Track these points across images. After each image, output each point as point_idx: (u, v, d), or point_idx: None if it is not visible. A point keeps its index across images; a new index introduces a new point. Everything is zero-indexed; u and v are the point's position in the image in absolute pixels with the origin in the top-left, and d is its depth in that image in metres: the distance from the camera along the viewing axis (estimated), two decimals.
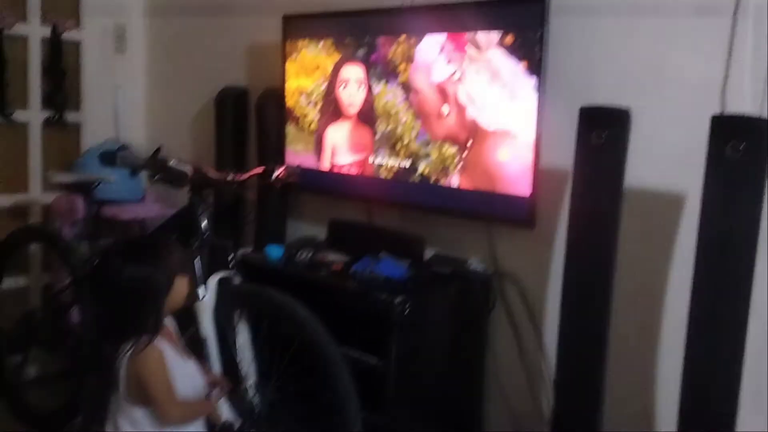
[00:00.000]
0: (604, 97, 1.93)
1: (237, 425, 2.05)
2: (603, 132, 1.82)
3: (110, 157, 1.98)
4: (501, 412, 2.34)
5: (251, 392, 2.08)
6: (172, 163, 2.07)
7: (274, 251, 2.40)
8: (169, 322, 1.76)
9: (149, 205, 3.19)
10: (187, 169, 2.10)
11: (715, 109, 1.82)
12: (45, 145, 3.24)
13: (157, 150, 2.11)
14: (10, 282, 3.13)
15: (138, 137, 3.55)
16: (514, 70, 2.11)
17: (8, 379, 2.97)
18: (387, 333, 2.02)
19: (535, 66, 2.06)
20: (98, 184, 2.79)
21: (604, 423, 1.91)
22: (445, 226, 2.41)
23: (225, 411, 2.02)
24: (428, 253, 2.37)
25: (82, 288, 2.64)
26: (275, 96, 2.81)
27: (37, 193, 3.22)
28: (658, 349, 2.02)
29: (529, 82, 2.07)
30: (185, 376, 1.71)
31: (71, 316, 2.81)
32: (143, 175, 3.12)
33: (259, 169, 2.41)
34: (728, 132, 1.61)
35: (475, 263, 2.33)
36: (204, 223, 2.21)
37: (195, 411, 1.75)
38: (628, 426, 2.06)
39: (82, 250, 2.78)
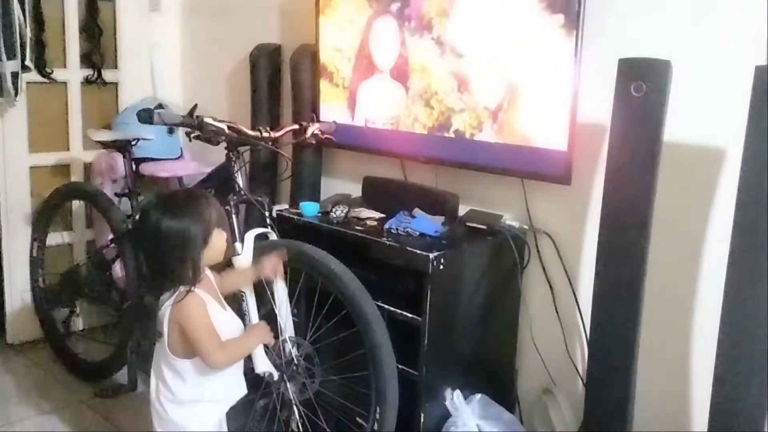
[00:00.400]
0: (644, 49, 1.88)
1: (274, 377, 2.11)
2: (643, 84, 1.78)
3: (147, 114, 2.00)
4: (534, 367, 2.35)
5: (288, 346, 2.13)
6: (207, 120, 2.08)
7: (309, 208, 2.42)
8: (210, 275, 1.80)
9: (187, 163, 3.23)
10: (223, 126, 2.12)
11: (759, 60, 1.76)
12: (84, 103, 3.30)
13: (194, 107, 2.12)
14: (56, 238, 3.23)
15: (174, 95, 3.59)
16: (551, 22, 2.07)
17: (56, 331, 3.09)
18: (422, 288, 2.04)
19: (573, 18, 2.02)
20: (136, 142, 2.84)
21: (639, 378, 1.91)
22: (480, 182, 2.41)
23: (263, 363, 2.08)
24: (463, 210, 2.36)
25: (123, 243, 2.71)
26: (309, 52, 2.80)
27: (78, 152, 3.30)
28: (693, 306, 2.00)
29: (567, 35, 2.03)
30: (225, 326, 1.76)
31: (114, 271, 2.90)
32: (180, 132, 3.19)
33: (294, 126, 2.42)
34: None
35: (510, 219, 2.32)
36: (240, 180, 2.24)
37: (240, 348, 1.80)
38: (663, 381, 2.06)
39: (123, 207, 2.85)
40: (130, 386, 2.80)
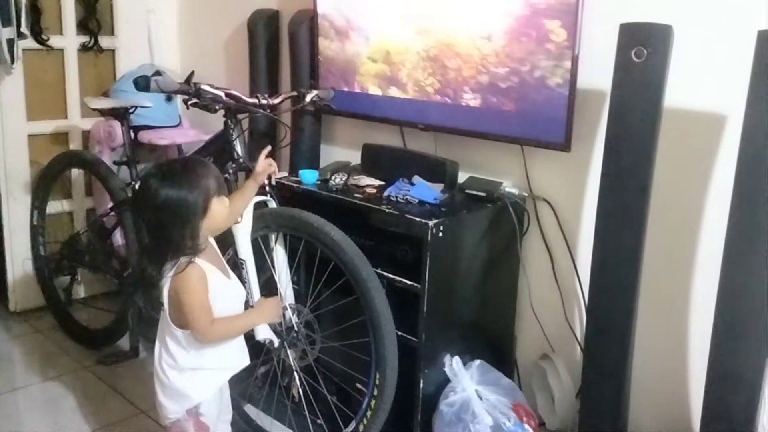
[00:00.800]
0: (645, 13, 1.86)
1: (275, 344, 2.13)
2: (644, 49, 1.76)
3: (144, 81, 1.99)
4: (533, 333, 2.37)
5: (288, 313, 2.15)
6: (205, 87, 2.07)
7: (309, 176, 2.42)
8: (213, 244, 1.80)
9: (185, 131, 3.22)
10: (220, 93, 2.10)
11: (762, 25, 1.73)
12: (81, 70, 3.27)
13: (191, 74, 2.11)
14: (56, 206, 3.24)
15: (172, 62, 3.55)
16: None
17: (58, 299, 3.11)
18: (421, 255, 2.04)
19: None
20: (134, 110, 2.83)
21: (637, 344, 1.93)
22: (480, 149, 2.40)
23: (263, 331, 2.10)
24: (462, 177, 2.36)
25: (123, 211, 2.71)
26: (307, 18, 2.77)
27: (76, 119, 3.28)
28: (692, 273, 2.01)
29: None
30: (229, 295, 1.78)
31: (114, 239, 2.91)
32: (179, 100, 3.17)
33: (292, 93, 2.41)
34: None
35: (510, 186, 2.32)
36: (238, 148, 2.23)
37: (236, 327, 1.81)
38: (661, 347, 2.08)
39: (122, 175, 2.84)
40: (133, 353, 2.83)
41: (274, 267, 2.17)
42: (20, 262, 3.18)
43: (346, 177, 2.40)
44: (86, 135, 3.28)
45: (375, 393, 2.03)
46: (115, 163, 2.88)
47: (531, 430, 2.08)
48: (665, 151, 1.84)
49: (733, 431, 1.70)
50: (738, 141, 1.62)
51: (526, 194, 2.31)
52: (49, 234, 3.15)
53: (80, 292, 3.24)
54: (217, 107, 2.13)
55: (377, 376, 2.02)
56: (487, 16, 2.20)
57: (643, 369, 2.03)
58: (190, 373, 1.75)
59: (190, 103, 2.09)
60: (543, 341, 2.34)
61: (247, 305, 1.99)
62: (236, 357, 1.84)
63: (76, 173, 3.28)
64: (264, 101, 2.24)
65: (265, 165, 2.02)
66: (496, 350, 2.35)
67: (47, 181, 3.08)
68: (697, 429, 1.82)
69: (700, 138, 1.95)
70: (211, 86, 2.11)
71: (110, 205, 2.82)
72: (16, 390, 2.64)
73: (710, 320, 1.70)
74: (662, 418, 2.09)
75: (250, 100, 2.21)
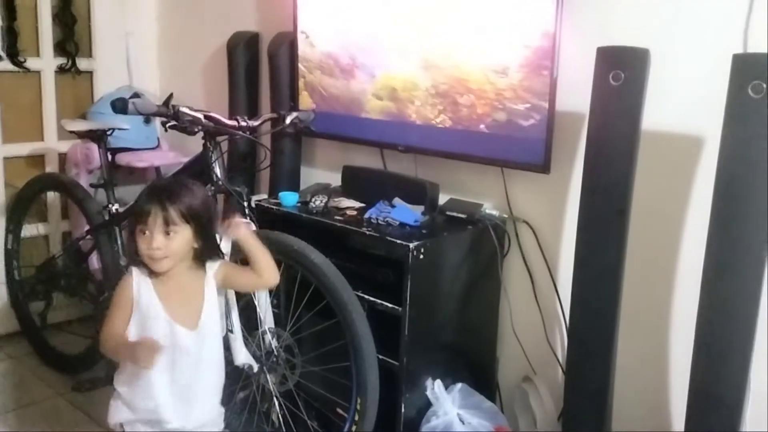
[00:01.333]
0: (623, 37, 1.88)
1: (254, 369, 2.10)
2: (621, 73, 1.78)
3: (122, 104, 1.97)
4: (515, 356, 2.36)
5: (268, 337, 2.12)
6: (183, 109, 2.06)
7: (289, 198, 2.40)
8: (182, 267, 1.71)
9: (164, 153, 3.20)
10: (199, 115, 2.09)
11: (737, 48, 1.76)
12: (59, 92, 3.24)
13: (169, 97, 2.09)
14: (31, 230, 3.19)
15: (151, 84, 3.54)
16: (529, 10, 2.06)
17: (33, 324, 3.05)
18: (402, 277, 2.03)
19: (553, 5, 2.01)
20: (111, 132, 2.80)
21: (618, 366, 1.92)
22: (460, 171, 2.40)
23: (242, 355, 2.07)
24: (443, 199, 2.36)
25: (100, 235, 2.67)
26: (287, 40, 2.77)
27: (53, 142, 3.24)
28: (672, 294, 2.02)
29: (546, 23, 2.02)
30: (148, 328, 1.65)
31: (91, 263, 2.86)
32: (157, 122, 3.15)
33: (272, 115, 2.40)
34: (750, 72, 1.57)
35: (490, 208, 2.32)
36: (217, 170, 2.22)
37: (118, 348, 1.64)
38: (642, 369, 2.08)
39: (99, 198, 2.81)
40: (108, 379, 2.75)
41: (253, 291, 2.15)
42: None
43: (326, 199, 2.39)
44: (63, 157, 3.25)
45: (356, 418, 2.01)
46: (91, 185, 2.85)
47: None
48: (644, 172, 1.86)
49: None
50: (715, 162, 1.63)
51: (506, 216, 2.31)
52: (24, 258, 3.10)
53: (55, 317, 3.17)
54: (196, 129, 2.11)
55: (358, 400, 2.00)
56: (468, 31, 2.22)
57: (625, 390, 2.02)
58: (115, 392, 1.73)
59: (168, 125, 2.07)
60: (525, 363, 2.33)
61: (226, 331, 1.97)
62: (159, 411, 1.68)
63: (52, 196, 3.23)
64: (243, 123, 2.23)
65: (230, 224, 1.82)
66: (478, 373, 2.33)
67: (22, 204, 3.03)
68: None
69: (678, 159, 1.96)
70: (190, 108, 2.09)
71: (86, 228, 2.78)
72: None
73: (692, 339, 1.71)
74: None
75: (230, 123, 2.19)
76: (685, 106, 1.93)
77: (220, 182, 2.21)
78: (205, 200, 1.73)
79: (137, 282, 1.66)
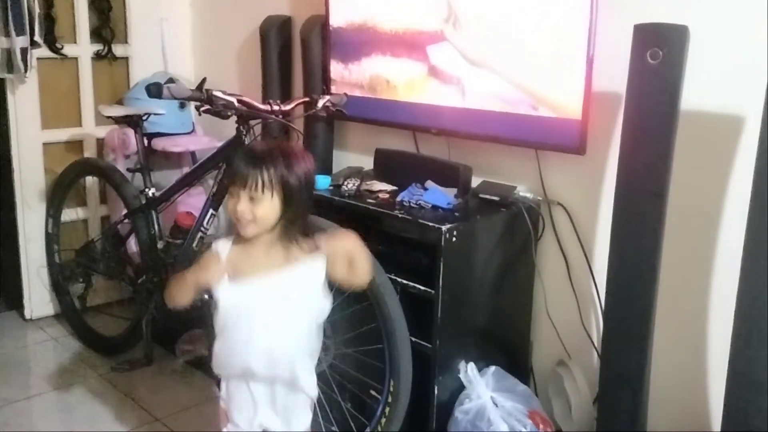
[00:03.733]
0: (661, 14, 1.84)
1: None
2: (659, 51, 1.73)
3: (156, 89, 1.99)
4: (549, 339, 2.34)
5: None
6: (216, 93, 2.07)
7: (321, 181, 2.41)
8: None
9: (198, 138, 3.22)
10: (232, 99, 2.10)
11: None
12: (96, 79, 3.29)
13: (202, 81, 2.11)
14: (71, 214, 3.25)
15: (185, 69, 3.57)
16: None
17: (73, 306, 3.12)
18: (435, 261, 2.02)
19: None
20: (147, 117, 2.83)
21: (654, 351, 1.90)
22: (494, 154, 2.38)
23: None
24: (476, 182, 2.34)
25: (137, 219, 2.71)
26: (319, 23, 2.77)
27: (90, 127, 3.30)
28: (711, 278, 1.98)
29: (582, 1, 1.98)
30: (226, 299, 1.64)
31: (129, 246, 2.91)
32: (192, 107, 3.17)
33: (304, 99, 2.40)
34: None
35: (524, 191, 2.30)
36: None
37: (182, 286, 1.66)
38: (680, 354, 2.05)
39: (136, 182, 2.85)
40: (146, 360, 2.82)
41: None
42: (36, 270, 3.20)
43: (358, 182, 2.39)
44: (101, 143, 3.30)
45: (389, 400, 2.02)
46: (129, 170, 2.89)
47: None
48: (682, 153, 1.81)
49: None
50: (756, 142, 1.59)
51: (540, 198, 2.29)
52: (63, 242, 3.17)
53: (95, 299, 3.25)
54: (229, 113, 2.12)
55: (391, 382, 2.00)
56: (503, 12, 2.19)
57: (661, 374, 1.99)
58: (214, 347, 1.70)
59: (202, 109, 2.08)
60: (559, 347, 2.31)
61: None
62: (235, 363, 1.66)
63: (90, 181, 3.29)
64: (276, 107, 2.23)
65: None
66: (512, 356, 2.32)
67: (62, 189, 3.09)
68: None
69: (717, 140, 1.91)
70: (223, 93, 2.10)
71: (124, 212, 2.83)
72: (31, 398, 2.64)
73: (730, 324, 1.67)
74: (681, 425, 2.05)
75: (262, 107, 2.20)
76: (725, 84, 1.88)
77: None
78: (303, 172, 1.60)
79: (222, 249, 1.64)
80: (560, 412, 2.26)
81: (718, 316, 1.96)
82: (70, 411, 2.55)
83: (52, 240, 3.13)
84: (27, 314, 3.23)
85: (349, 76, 2.67)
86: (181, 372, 2.80)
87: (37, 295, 3.22)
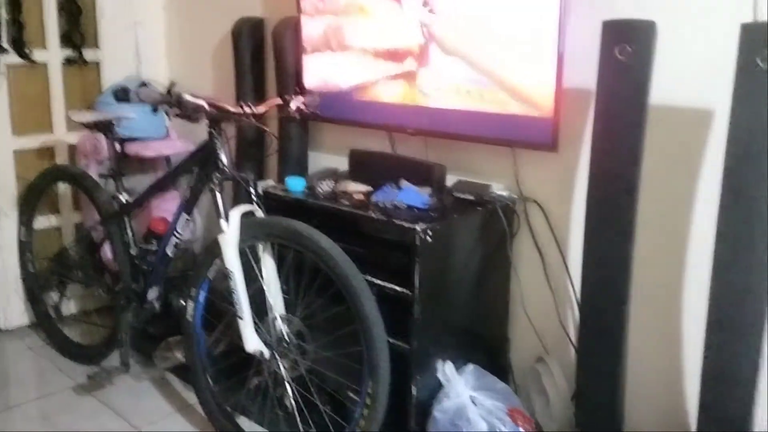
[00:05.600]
0: (629, 10, 1.84)
1: (266, 356, 2.10)
2: (627, 47, 1.74)
3: (123, 93, 1.97)
4: (527, 336, 2.35)
5: (279, 323, 2.12)
6: (186, 97, 2.05)
7: (295, 183, 2.40)
8: None
9: (172, 142, 3.19)
10: (202, 102, 2.08)
11: (746, 18, 1.72)
12: (66, 84, 3.24)
13: (171, 84, 2.09)
14: (43, 222, 3.21)
15: (159, 73, 3.53)
16: None
17: (48, 315, 3.08)
18: (411, 260, 2.02)
19: None
20: (118, 122, 2.80)
21: (630, 346, 1.90)
22: (469, 152, 2.38)
23: (253, 342, 2.08)
24: (452, 180, 2.34)
25: (110, 225, 2.68)
26: (292, 24, 2.75)
27: (61, 133, 3.25)
28: (683, 271, 1.99)
29: None
30: None
31: (103, 253, 2.88)
32: (165, 112, 3.14)
33: (277, 100, 2.38)
34: (760, 42, 1.53)
35: (499, 188, 2.30)
36: (223, 157, 2.21)
37: None
38: (655, 348, 2.06)
39: (109, 188, 2.82)
40: (124, 368, 2.79)
41: (262, 277, 2.15)
42: (10, 279, 3.15)
43: (333, 184, 2.38)
44: (73, 149, 3.25)
45: (368, 402, 2.01)
46: (101, 176, 2.85)
47: None
48: (653, 147, 1.82)
49: (729, 431, 1.68)
50: (725, 136, 1.60)
51: (515, 196, 2.29)
52: (37, 250, 3.12)
53: (70, 307, 3.20)
54: (199, 117, 2.10)
55: (370, 383, 1.99)
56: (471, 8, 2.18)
57: (637, 369, 2.00)
58: None
59: (172, 113, 2.06)
60: (537, 344, 2.32)
61: (235, 317, 1.97)
62: None
63: (63, 187, 3.25)
64: (248, 109, 2.21)
65: None
66: (490, 354, 2.32)
67: (34, 196, 3.05)
68: (694, 429, 1.79)
69: (687, 134, 1.92)
70: (193, 96, 2.08)
71: (97, 219, 2.79)
72: (11, 408, 2.60)
73: (704, 318, 1.68)
74: (658, 419, 2.06)
75: (234, 109, 2.18)
76: (694, 79, 1.89)
77: (226, 169, 2.21)
78: None
79: None
80: (540, 409, 2.27)
81: (692, 308, 1.97)
82: (49, 421, 2.51)
83: (25, 248, 3.09)
84: (2, 324, 3.18)
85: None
86: (160, 380, 2.77)
87: (12, 304, 3.18)
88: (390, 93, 2.45)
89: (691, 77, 1.89)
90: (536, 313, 2.31)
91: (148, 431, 2.44)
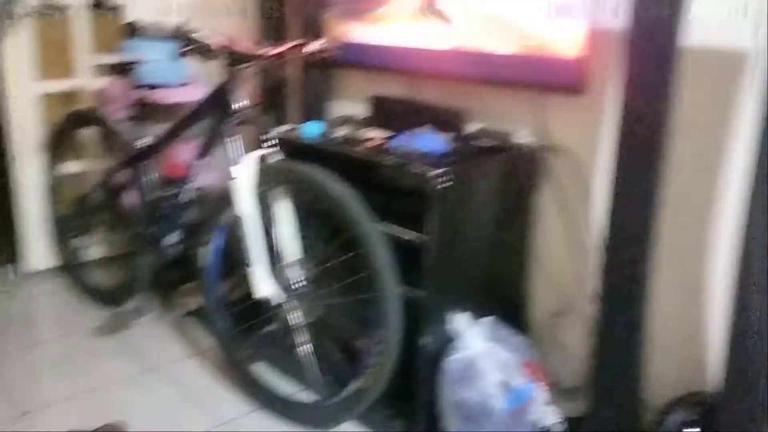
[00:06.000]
0: None
1: (279, 301, 2.08)
2: None
3: (131, 28, 1.92)
4: (546, 289, 2.28)
5: (292, 269, 2.09)
6: (197, 34, 1.99)
7: (313, 128, 2.34)
8: None
9: (194, 89, 3.14)
10: (214, 40, 2.02)
11: None
12: (91, 29, 3.21)
13: (185, 22, 2.03)
14: (68, 166, 3.22)
15: (185, 18, 3.47)
16: None
17: (71, 259, 3.11)
18: (425, 207, 1.95)
19: None
20: (137, 65, 2.77)
21: (653, 302, 1.82)
22: (493, 97, 2.28)
23: (267, 287, 2.05)
24: (475, 127, 2.25)
25: (131, 169, 2.67)
26: None
27: (87, 78, 3.23)
28: (712, 220, 1.88)
29: None
30: None
31: (123, 198, 2.87)
32: (186, 58, 3.09)
33: (296, 42, 2.32)
34: None
35: (522, 135, 2.20)
36: (238, 99, 2.16)
37: None
38: (680, 304, 1.97)
39: (130, 134, 2.80)
40: (142, 312, 2.80)
41: (276, 222, 2.11)
42: (34, 223, 3.18)
43: (350, 129, 2.31)
44: (97, 94, 3.24)
45: (379, 349, 1.97)
46: (122, 121, 2.84)
47: (540, 387, 1.99)
48: (685, 91, 1.71)
49: (753, 389, 1.60)
50: (762, 79, 1.49)
51: (540, 144, 2.19)
52: (61, 194, 3.14)
53: (93, 251, 3.23)
54: (212, 55, 2.05)
55: (381, 332, 1.95)
56: None
57: (660, 325, 1.92)
58: None
59: (182, 50, 2.01)
60: (556, 297, 2.24)
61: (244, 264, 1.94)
62: None
63: (87, 132, 3.24)
64: (266, 51, 2.15)
65: None
66: (507, 307, 2.26)
67: (58, 141, 3.06)
68: (718, 388, 1.72)
69: (722, 77, 1.80)
70: (206, 33, 2.03)
71: (119, 163, 2.78)
72: (31, 347, 2.64)
73: (730, 273, 1.59)
74: (680, 376, 1.99)
75: (249, 49, 2.12)
76: (730, 19, 1.76)
77: (241, 112, 2.16)
78: None
79: None
80: (557, 363, 2.20)
81: (720, 262, 1.87)
82: (66, 359, 2.55)
83: (49, 193, 3.11)
84: (26, 267, 3.22)
85: None
86: (177, 324, 2.79)
87: (36, 248, 3.21)
88: (413, 36, 2.36)
89: (727, 18, 1.77)
90: (556, 266, 2.23)
91: (170, 371, 2.46)
